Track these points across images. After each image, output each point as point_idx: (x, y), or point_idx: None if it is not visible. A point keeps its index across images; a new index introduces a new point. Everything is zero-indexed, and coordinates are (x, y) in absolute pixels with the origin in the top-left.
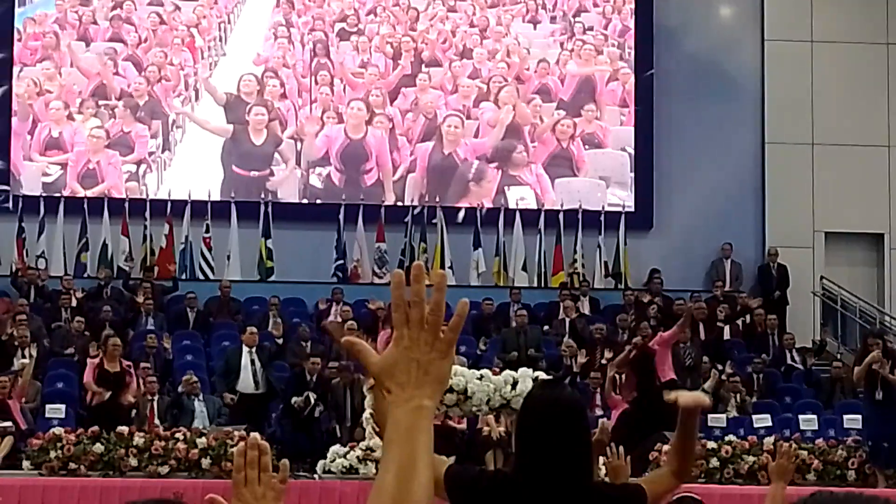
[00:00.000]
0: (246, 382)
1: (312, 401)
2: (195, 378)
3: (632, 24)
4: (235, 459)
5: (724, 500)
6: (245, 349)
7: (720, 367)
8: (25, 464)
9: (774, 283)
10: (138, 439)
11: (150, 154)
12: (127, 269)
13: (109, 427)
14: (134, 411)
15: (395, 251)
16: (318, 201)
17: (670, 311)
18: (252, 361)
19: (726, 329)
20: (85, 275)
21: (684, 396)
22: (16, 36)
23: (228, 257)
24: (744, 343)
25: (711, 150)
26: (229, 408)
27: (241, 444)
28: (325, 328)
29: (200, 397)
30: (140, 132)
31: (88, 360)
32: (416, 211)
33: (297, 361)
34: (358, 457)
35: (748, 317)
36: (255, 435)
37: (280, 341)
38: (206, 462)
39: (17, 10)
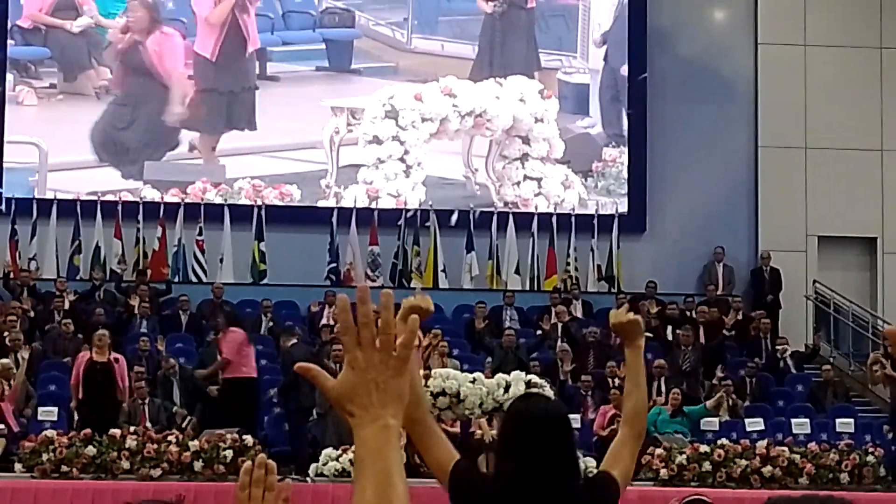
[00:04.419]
0: None
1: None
2: (173, 361)
3: (625, 26)
4: (241, 477)
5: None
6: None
7: (718, 373)
8: (17, 466)
9: (767, 287)
10: (131, 442)
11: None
12: (119, 271)
13: (99, 424)
14: (127, 413)
15: (388, 254)
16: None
17: (663, 315)
18: None
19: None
20: (78, 277)
21: (615, 313)
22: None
23: (221, 260)
24: (737, 347)
25: (705, 154)
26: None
27: (248, 462)
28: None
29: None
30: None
31: (77, 359)
32: (409, 214)
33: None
34: (351, 460)
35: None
36: (262, 455)
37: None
38: (198, 465)
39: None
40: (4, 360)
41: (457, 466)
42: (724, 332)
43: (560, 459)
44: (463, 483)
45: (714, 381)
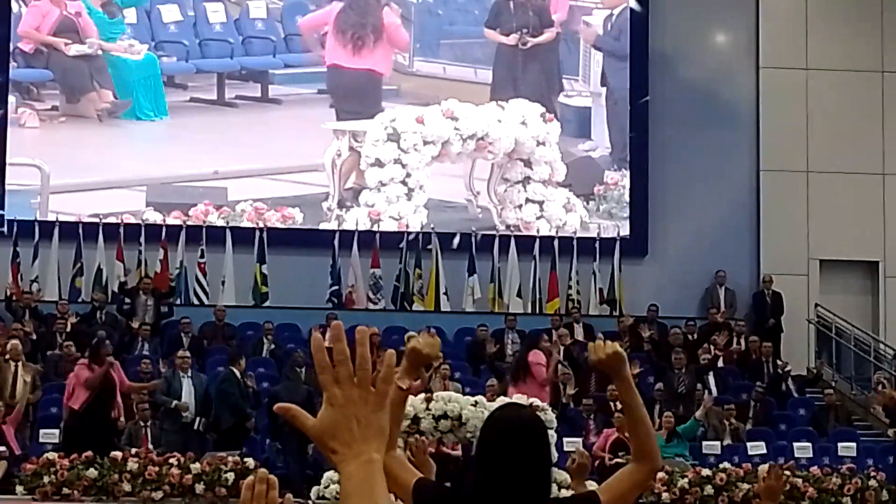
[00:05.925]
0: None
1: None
2: (188, 354)
3: (627, 50)
4: (243, 493)
5: None
6: (238, 375)
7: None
8: (19, 489)
9: (769, 311)
10: (132, 464)
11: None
12: (125, 279)
13: (95, 435)
14: (124, 435)
15: (389, 277)
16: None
17: (665, 339)
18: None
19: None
20: (79, 299)
21: (592, 348)
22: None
23: (223, 282)
24: (738, 370)
25: (706, 178)
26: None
27: (250, 477)
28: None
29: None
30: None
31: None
32: (411, 237)
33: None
34: None
35: (743, 344)
36: (263, 470)
37: None
38: (199, 487)
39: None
40: (14, 342)
41: (419, 483)
42: (717, 351)
43: (526, 467)
44: (425, 496)
45: (713, 406)
